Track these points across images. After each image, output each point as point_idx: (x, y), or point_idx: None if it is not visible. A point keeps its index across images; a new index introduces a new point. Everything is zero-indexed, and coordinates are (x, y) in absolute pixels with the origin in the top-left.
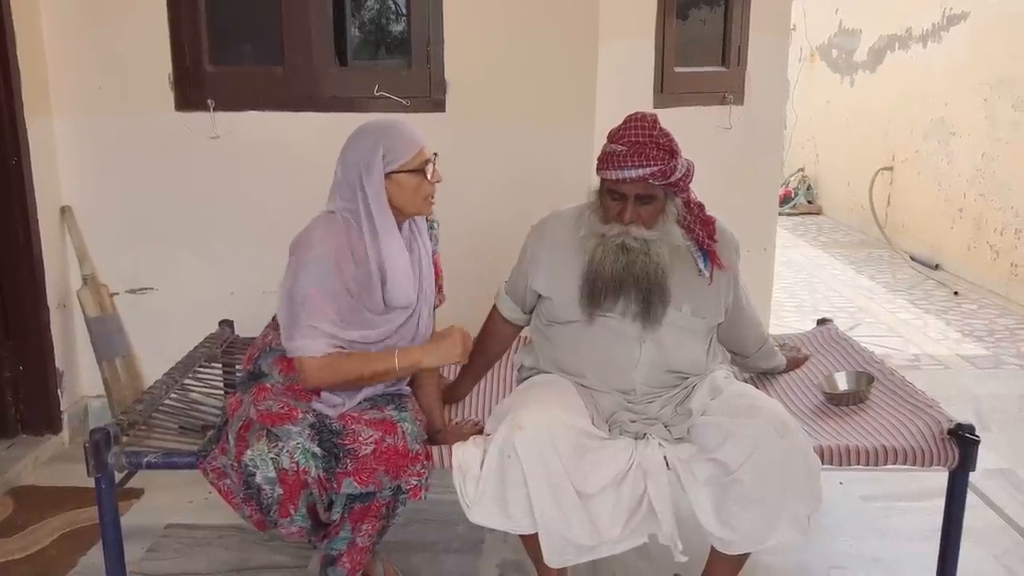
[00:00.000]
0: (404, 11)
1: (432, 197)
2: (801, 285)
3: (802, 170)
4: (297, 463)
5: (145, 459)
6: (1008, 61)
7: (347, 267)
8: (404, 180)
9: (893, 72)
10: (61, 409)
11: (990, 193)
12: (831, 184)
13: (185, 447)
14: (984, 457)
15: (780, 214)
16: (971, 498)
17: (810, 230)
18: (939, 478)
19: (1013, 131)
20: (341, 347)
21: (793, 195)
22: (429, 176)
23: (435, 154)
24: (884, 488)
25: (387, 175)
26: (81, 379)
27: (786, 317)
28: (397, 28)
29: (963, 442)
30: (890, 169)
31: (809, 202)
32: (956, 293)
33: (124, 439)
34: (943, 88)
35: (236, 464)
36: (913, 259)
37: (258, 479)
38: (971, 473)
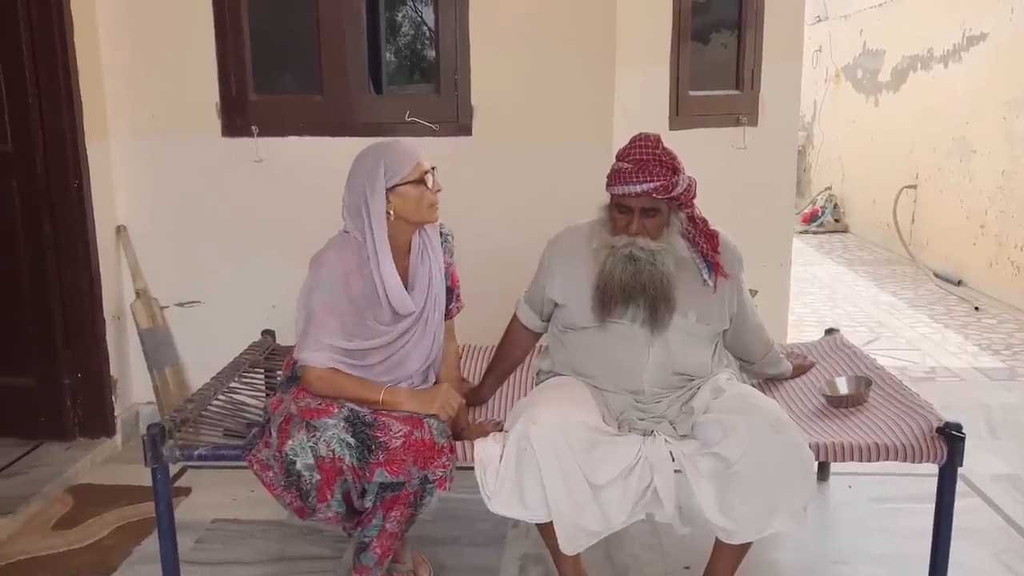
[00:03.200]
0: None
1: (435, 205)
2: (823, 301)
3: (829, 188)
4: (333, 451)
5: (196, 452)
6: None
7: (355, 286)
8: (406, 192)
9: (916, 92)
10: (115, 414)
11: (1011, 210)
12: (857, 202)
13: (231, 443)
14: (991, 463)
15: (807, 232)
16: (976, 501)
17: (836, 248)
18: None
19: None
20: (345, 359)
21: (820, 213)
22: (429, 186)
23: (433, 167)
24: (893, 490)
25: (390, 189)
26: (133, 387)
27: (807, 332)
28: (429, 54)
29: (950, 439)
30: (914, 187)
31: (836, 220)
32: (977, 308)
33: (177, 434)
34: (963, 107)
35: (278, 454)
36: (937, 275)
37: (298, 466)
38: (978, 478)
